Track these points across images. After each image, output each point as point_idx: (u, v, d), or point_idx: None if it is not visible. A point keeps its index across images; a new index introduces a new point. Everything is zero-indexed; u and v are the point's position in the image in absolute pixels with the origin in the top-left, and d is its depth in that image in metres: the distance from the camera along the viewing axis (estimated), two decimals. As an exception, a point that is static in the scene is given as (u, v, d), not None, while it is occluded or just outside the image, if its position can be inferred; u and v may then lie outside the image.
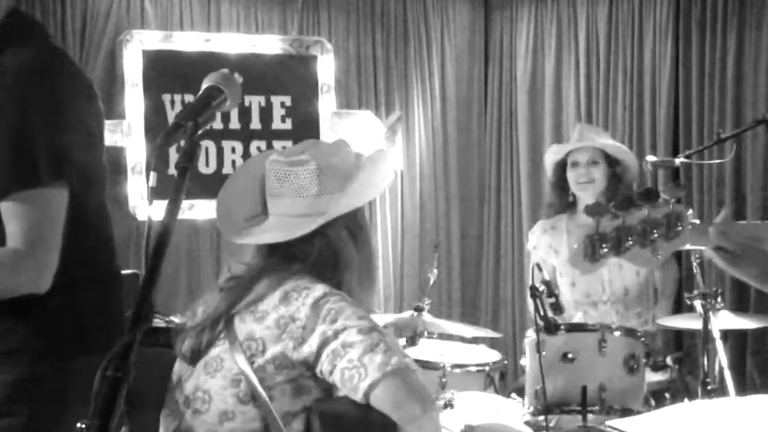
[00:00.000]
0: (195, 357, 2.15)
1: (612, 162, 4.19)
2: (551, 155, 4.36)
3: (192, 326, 2.21)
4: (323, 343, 2.02)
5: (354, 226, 2.25)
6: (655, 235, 1.75)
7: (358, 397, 1.98)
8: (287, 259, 2.18)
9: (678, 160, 4.01)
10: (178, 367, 2.22)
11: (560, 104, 5.94)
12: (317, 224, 2.15)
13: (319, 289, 2.09)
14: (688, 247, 3.58)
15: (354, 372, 1.98)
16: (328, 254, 2.19)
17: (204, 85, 1.64)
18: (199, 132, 1.53)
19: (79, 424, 1.26)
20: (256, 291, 2.14)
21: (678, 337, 5.01)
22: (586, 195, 4.21)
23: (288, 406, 2.04)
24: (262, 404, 2.02)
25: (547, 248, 4.33)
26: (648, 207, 1.74)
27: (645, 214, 1.75)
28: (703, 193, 5.21)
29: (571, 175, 4.24)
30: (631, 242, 1.73)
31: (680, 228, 1.77)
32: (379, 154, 2.33)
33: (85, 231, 2.12)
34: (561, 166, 4.30)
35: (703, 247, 1.87)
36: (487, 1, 6.40)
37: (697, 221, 1.81)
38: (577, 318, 4.23)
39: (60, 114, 2.04)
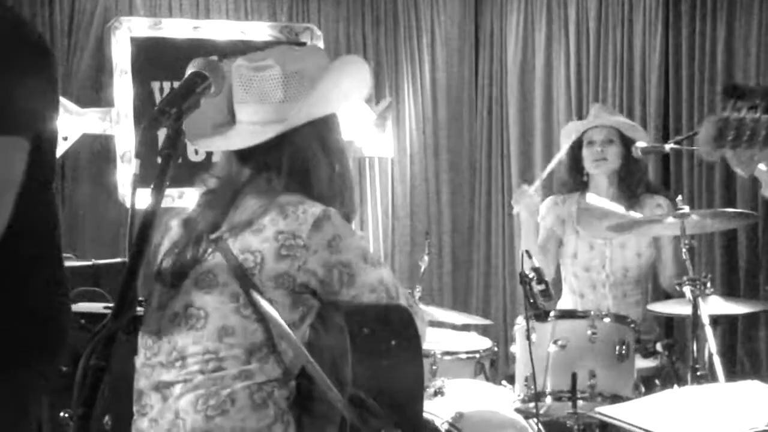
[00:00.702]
0: (178, 276, 2.08)
1: (627, 142, 4.19)
2: (567, 134, 4.37)
3: (168, 247, 2.14)
4: (329, 273, 2.05)
5: (325, 136, 2.19)
6: (760, 140, 1.72)
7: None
8: (259, 169, 2.13)
9: (668, 146, 4.02)
10: (153, 289, 2.13)
11: (550, 91, 5.93)
12: (278, 131, 2.10)
13: (316, 206, 2.07)
14: (676, 232, 3.59)
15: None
16: (297, 163, 2.13)
17: (188, 71, 1.63)
18: (183, 118, 1.52)
19: (62, 413, 1.25)
20: (246, 209, 2.08)
21: (668, 323, 5.02)
22: (599, 173, 4.24)
23: (286, 317, 2.00)
24: (265, 317, 1.99)
25: (555, 218, 4.35)
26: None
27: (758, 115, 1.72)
28: (693, 178, 5.21)
29: (586, 153, 4.26)
30: (746, 138, 1.70)
31: None
32: (347, 60, 2.28)
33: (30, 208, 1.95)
34: (576, 145, 4.31)
35: None
36: (477, -13, 6.39)
37: None
38: (574, 302, 4.23)
39: (20, 74, 1.91)
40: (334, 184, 2.18)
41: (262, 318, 2.00)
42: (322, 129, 2.18)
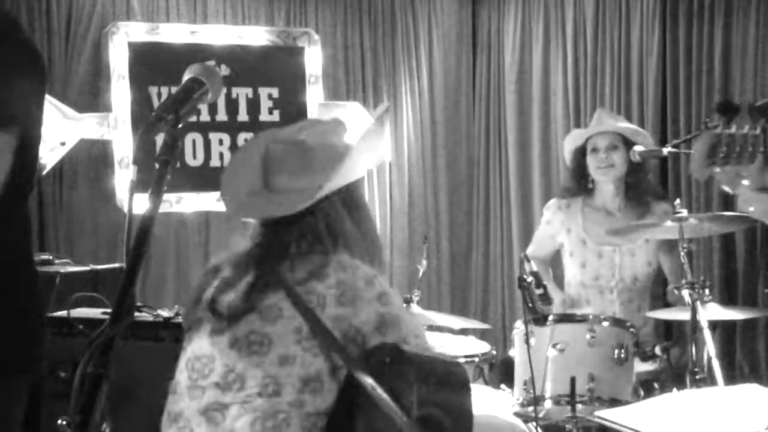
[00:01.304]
0: (241, 311, 2.18)
1: (631, 146, 4.18)
2: (570, 141, 4.37)
3: (219, 283, 2.26)
4: (381, 320, 2.17)
5: (349, 200, 2.32)
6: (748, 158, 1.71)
7: None
8: (299, 235, 2.25)
9: (666, 150, 4.01)
10: (199, 317, 2.25)
11: (548, 94, 5.94)
12: (316, 197, 2.21)
13: (365, 266, 2.23)
14: (674, 236, 3.58)
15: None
16: (327, 228, 2.26)
17: (185, 77, 1.63)
18: (180, 124, 1.52)
19: (60, 421, 1.24)
20: (306, 263, 2.20)
21: (667, 327, 5.01)
22: (606, 180, 4.23)
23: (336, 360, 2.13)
24: (323, 351, 2.11)
25: (560, 225, 4.35)
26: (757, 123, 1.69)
27: (751, 131, 1.70)
28: (691, 182, 5.21)
29: (591, 161, 4.25)
30: (735, 154, 1.69)
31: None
32: (372, 132, 2.37)
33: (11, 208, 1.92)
34: (580, 152, 4.31)
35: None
36: (474, -9, 6.39)
37: None
38: (580, 308, 4.23)
39: (12, 70, 1.88)
40: (365, 240, 2.34)
41: (318, 354, 2.12)
42: (345, 194, 2.32)
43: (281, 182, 2.29)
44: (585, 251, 4.26)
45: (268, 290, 2.17)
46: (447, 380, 2.10)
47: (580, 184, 4.32)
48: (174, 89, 1.81)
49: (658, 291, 4.44)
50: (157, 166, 1.47)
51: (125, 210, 5.24)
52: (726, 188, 1.73)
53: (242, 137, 5.61)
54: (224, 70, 5.57)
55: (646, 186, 4.26)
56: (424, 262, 4.31)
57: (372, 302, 2.17)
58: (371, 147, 2.38)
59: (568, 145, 4.38)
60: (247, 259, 2.26)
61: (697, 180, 5.11)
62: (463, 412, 2.09)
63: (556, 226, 4.36)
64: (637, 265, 4.19)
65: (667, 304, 4.21)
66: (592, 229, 4.27)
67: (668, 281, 4.34)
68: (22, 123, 1.89)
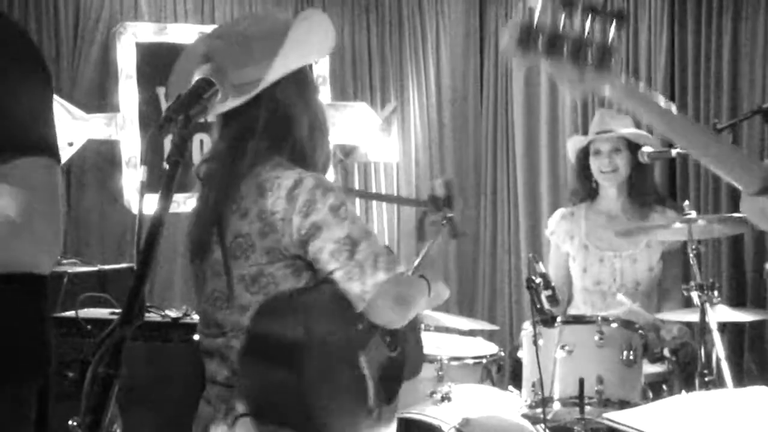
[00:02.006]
0: (197, 254, 2.31)
1: (634, 147, 4.17)
2: (574, 143, 4.36)
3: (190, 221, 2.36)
4: (306, 238, 2.15)
5: (304, 87, 2.32)
6: (588, 60, 1.56)
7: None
8: (241, 132, 2.27)
9: (674, 151, 3.99)
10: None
11: (556, 94, 5.92)
12: (259, 88, 2.22)
13: (289, 176, 2.18)
14: (683, 238, 3.57)
15: (353, 271, 2.14)
16: (279, 115, 2.27)
17: (195, 78, 1.62)
18: (191, 125, 1.51)
19: (71, 421, 1.24)
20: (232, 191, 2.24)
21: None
22: (609, 183, 4.22)
23: (291, 285, 2.17)
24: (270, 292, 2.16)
25: (564, 234, 4.34)
26: (601, 22, 1.53)
27: (587, 30, 1.53)
28: (699, 183, 5.19)
29: (594, 164, 4.25)
30: (563, 51, 1.53)
31: (610, 64, 1.58)
32: (309, 13, 2.36)
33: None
34: (584, 153, 4.31)
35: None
36: (482, -8, 6.38)
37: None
38: (585, 309, 4.22)
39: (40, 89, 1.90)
40: (315, 133, 2.33)
41: (268, 293, 2.19)
42: (300, 81, 2.31)
43: (226, 79, 2.24)
44: (587, 256, 4.25)
45: (212, 243, 2.24)
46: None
47: (585, 185, 4.32)
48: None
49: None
50: (166, 166, 1.47)
51: (133, 210, 5.31)
52: (566, 90, 1.69)
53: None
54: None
55: (649, 188, 4.25)
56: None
57: (294, 219, 2.16)
58: (317, 25, 2.34)
59: (572, 146, 4.38)
60: (203, 193, 2.32)
61: (704, 182, 5.10)
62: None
63: (560, 236, 4.36)
64: (639, 270, 4.18)
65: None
66: (594, 233, 4.26)
67: (664, 289, 4.30)
68: (56, 145, 1.89)
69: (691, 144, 1.92)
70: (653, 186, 4.35)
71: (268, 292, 2.17)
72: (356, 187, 6.02)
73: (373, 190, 6.04)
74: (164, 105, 5.43)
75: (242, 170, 2.23)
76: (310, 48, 2.33)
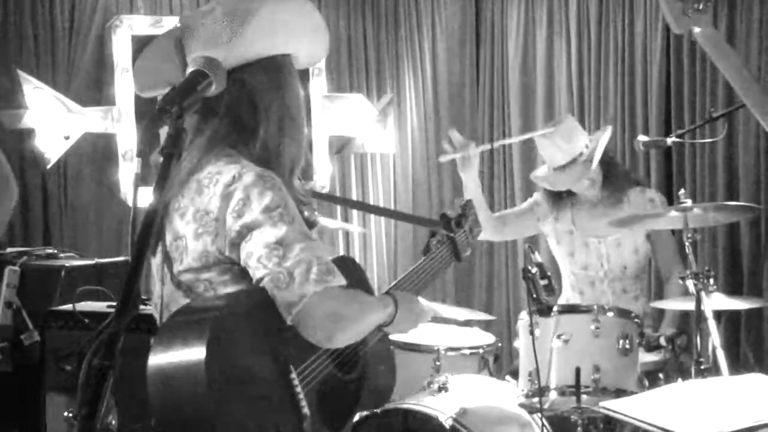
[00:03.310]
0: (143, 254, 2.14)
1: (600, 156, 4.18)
2: (538, 180, 4.33)
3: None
4: (237, 240, 1.96)
5: (273, 72, 2.13)
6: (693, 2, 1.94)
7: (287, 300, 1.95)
8: (204, 116, 2.06)
9: (669, 140, 4.00)
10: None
11: (552, 85, 5.93)
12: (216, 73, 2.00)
13: (229, 171, 1.99)
14: (679, 226, 3.59)
15: (281, 279, 1.93)
16: (244, 100, 2.07)
17: (189, 69, 1.63)
18: (184, 117, 1.52)
19: (66, 413, 1.25)
20: (175, 185, 2.03)
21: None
22: (588, 193, 4.22)
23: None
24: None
25: (548, 211, 4.32)
26: None
27: None
28: (695, 172, 5.21)
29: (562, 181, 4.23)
30: None
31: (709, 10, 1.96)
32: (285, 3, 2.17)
33: None
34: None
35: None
36: (477, -18, 6.38)
37: None
38: (574, 299, 4.23)
39: None
40: (285, 130, 2.13)
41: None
42: (272, 69, 2.13)
43: (196, 61, 2.00)
44: (572, 240, 4.26)
45: (158, 243, 2.07)
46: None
47: (558, 196, 4.31)
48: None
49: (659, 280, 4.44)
50: (161, 158, 1.47)
51: (129, 203, 5.29)
52: (671, 23, 1.91)
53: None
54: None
55: (618, 174, 4.24)
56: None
57: (227, 219, 1.97)
58: (289, 9, 2.17)
59: (537, 180, 4.35)
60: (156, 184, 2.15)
61: (704, 156, 5.11)
62: None
63: (543, 211, 4.34)
64: (624, 254, 4.18)
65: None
66: (579, 219, 4.27)
67: (661, 273, 4.32)
68: None
69: (755, 107, 2.10)
70: (624, 171, 4.36)
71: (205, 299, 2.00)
72: (353, 180, 6.03)
73: (370, 181, 6.05)
74: (160, 98, 5.46)
75: (193, 162, 2.04)
76: (283, 31, 2.14)
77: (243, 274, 1.99)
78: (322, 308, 1.94)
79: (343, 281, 1.99)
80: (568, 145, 4.14)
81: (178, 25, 2.11)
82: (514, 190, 6.11)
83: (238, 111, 2.08)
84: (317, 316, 1.93)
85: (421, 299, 2.36)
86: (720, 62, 2.05)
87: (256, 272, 1.94)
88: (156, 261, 2.09)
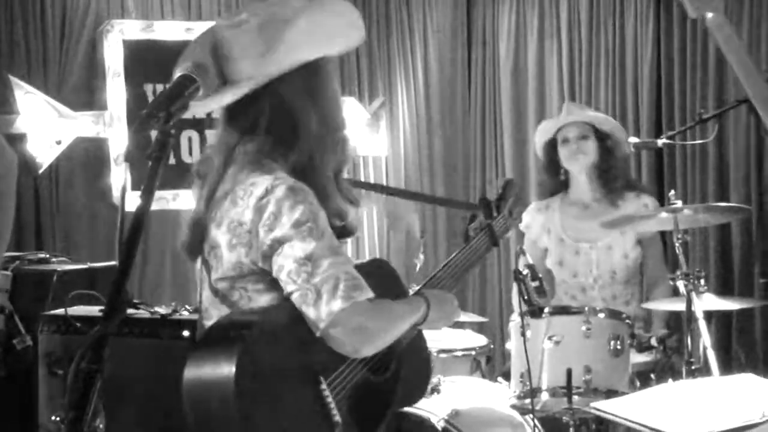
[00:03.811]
0: (190, 259, 2.17)
1: (602, 136, 4.20)
2: (542, 134, 4.36)
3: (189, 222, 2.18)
4: (269, 253, 2.00)
5: (314, 83, 2.12)
6: None
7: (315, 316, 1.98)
8: (243, 131, 2.09)
9: (660, 141, 4.01)
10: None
11: (543, 86, 5.94)
12: (254, 85, 2.04)
13: (263, 183, 2.01)
14: (669, 227, 3.60)
15: (309, 296, 1.97)
16: (282, 115, 2.08)
17: (176, 74, 1.63)
18: (172, 121, 1.52)
19: (53, 417, 1.25)
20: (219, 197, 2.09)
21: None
22: (578, 168, 4.22)
23: (267, 301, 2.05)
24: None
25: (540, 228, 4.34)
26: None
27: None
28: (686, 173, 5.22)
29: (562, 151, 4.24)
30: None
31: None
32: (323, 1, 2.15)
33: None
34: (551, 146, 4.30)
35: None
36: (468, -16, 6.39)
37: None
38: (568, 303, 4.23)
39: None
40: (325, 135, 2.13)
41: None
42: (310, 75, 2.12)
43: (232, 73, 2.05)
44: (562, 249, 4.26)
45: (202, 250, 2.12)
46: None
47: (553, 178, 4.32)
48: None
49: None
50: (149, 163, 1.48)
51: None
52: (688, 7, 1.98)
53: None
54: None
55: (617, 173, 4.25)
56: (422, 257, 4.31)
57: (259, 232, 2.00)
58: (331, 12, 2.15)
59: (539, 138, 4.37)
60: (198, 192, 2.17)
61: (694, 157, 5.12)
62: None
63: (536, 231, 4.35)
64: (614, 259, 4.19)
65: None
66: (569, 225, 4.27)
67: (647, 278, 4.32)
68: None
69: (756, 97, 2.13)
70: (623, 173, 4.36)
71: (241, 308, 2.05)
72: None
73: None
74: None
75: (235, 176, 2.07)
76: (321, 35, 2.12)
77: (277, 283, 2.02)
78: (349, 324, 1.96)
79: (370, 294, 2.01)
80: (580, 110, 4.29)
81: (212, 33, 2.09)
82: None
83: (278, 127, 2.08)
84: (344, 332, 1.97)
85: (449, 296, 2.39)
86: (726, 50, 2.09)
87: (287, 287, 1.98)
88: (197, 267, 2.15)
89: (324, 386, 2.01)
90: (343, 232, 2.12)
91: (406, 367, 2.27)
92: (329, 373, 2.04)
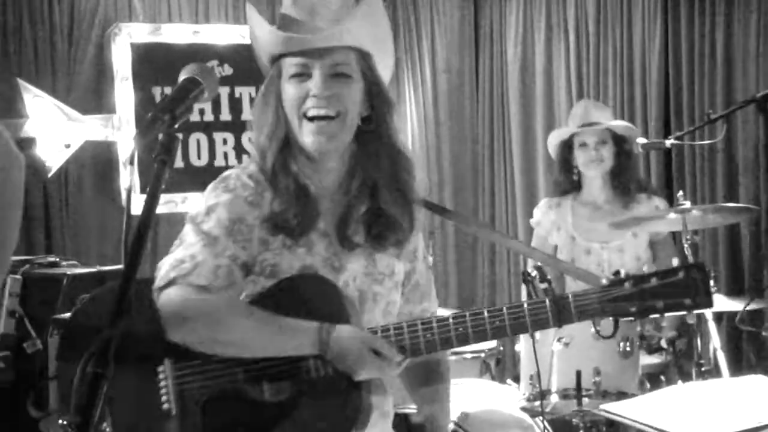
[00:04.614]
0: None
1: (619, 140, 4.18)
2: (557, 136, 4.34)
3: None
4: None
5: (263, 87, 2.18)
6: None
7: None
8: None
9: (668, 142, 4.00)
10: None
11: (551, 88, 5.93)
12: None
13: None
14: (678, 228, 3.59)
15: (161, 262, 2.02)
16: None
17: (181, 77, 1.63)
18: (177, 124, 1.52)
19: (60, 421, 1.25)
20: None
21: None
22: (595, 174, 4.21)
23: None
24: None
25: (550, 225, 4.33)
26: None
27: None
28: (695, 174, 5.21)
29: (579, 155, 4.22)
30: None
31: None
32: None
33: None
34: (566, 146, 4.29)
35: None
36: (476, -14, 6.38)
37: None
38: None
39: None
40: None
41: None
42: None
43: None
44: (573, 247, 4.24)
45: None
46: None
47: (568, 177, 4.31)
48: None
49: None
50: (154, 165, 1.48)
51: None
52: None
53: (246, 136, 5.62)
54: (227, 70, 5.58)
55: (631, 176, 4.24)
56: (431, 258, 4.31)
57: None
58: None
59: (554, 140, 4.36)
60: None
61: (703, 158, 5.11)
62: None
63: (546, 227, 4.34)
64: (626, 260, 4.17)
65: None
66: (580, 224, 4.26)
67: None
68: None
69: None
70: (637, 175, 4.34)
71: None
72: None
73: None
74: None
75: None
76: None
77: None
78: (166, 304, 1.92)
79: (202, 282, 1.92)
80: (599, 111, 4.25)
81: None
82: (514, 189, 6.11)
83: None
84: (162, 309, 1.92)
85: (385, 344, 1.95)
86: None
87: None
88: None
89: (162, 368, 1.95)
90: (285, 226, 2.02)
91: (314, 409, 1.93)
92: (182, 360, 1.95)
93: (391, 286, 2.16)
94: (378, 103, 2.11)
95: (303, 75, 2.05)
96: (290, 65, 2.07)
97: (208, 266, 1.94)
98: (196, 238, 1.98)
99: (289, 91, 2.05)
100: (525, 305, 1.98)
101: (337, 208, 2.11)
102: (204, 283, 1.92)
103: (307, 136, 2.02)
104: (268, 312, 1.93)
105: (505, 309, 1.99)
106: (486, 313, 1.99)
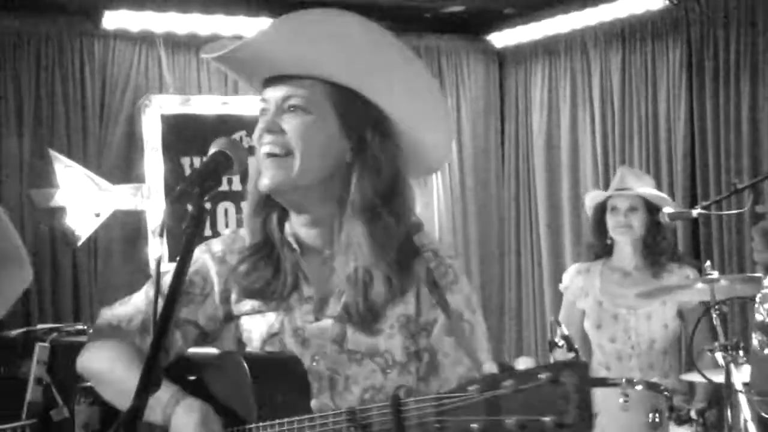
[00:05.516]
0: None
1: (652, 208, 4.16)
2: (591, 198, 4.36)
3: None
4: None
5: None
6: None
7: None
8: None
9: (695, 212, 3.99)
10: None
11: (577, 156, 5.95)
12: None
13: None
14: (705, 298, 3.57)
15: None
16: None
17: (211, 151, 1.66)
18: (206, 197, 1.54)
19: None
20: None
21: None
22: (624, 240, 4.20)
23: None
24: None
25: (579, 290, 4.30)
26: None
27: None
28: (723, 243, 5.18)
29: (610, 220, 4.22)
30: None
31: None
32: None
33: None
34: (601, 209, 4.29)
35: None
36: (501, 56, 6.44)
37: None
38: (602, 374, 4.17)
39: None
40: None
41: None
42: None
43: None
44: (600, 313, 4.21)
45: None
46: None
47: (601, 241, 4.30)
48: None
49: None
50: (183, 238, 1.50)
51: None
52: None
53: (274, 205, 5.63)
54: (244, 143, 5.64)
55: (664, 247, 4.22)
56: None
57: None
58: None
59: (590, 201, 4.38)
60: None
61: (731, 227, 5.09)
62: None
63: (574, 292, 4.32)
64: (654, 328, 4.13)
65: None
66: (609, 289, 4.23)
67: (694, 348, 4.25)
68: None
69: None
70: (669, 246, 4.31)
71: None
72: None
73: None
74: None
75: None
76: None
77: None
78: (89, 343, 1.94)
79: (100, 339, 1.90)
80: (635, 178, 4.28)
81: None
82: (541, 256, 6.10)
83: None
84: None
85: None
86: None
87: None
88: None
89: None
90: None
91: None
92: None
93: (374, 368, 1.82)
94: (357, 145, 1.83)
95: (265, 110, 1.84)
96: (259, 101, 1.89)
97: (107, 325, 1.92)
98: (136, 296, 1.97)
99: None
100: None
101: (324, 269, 1.87)
102: (101, 340, 1.91)
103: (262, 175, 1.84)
104: (137, 361, 1.78)
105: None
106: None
